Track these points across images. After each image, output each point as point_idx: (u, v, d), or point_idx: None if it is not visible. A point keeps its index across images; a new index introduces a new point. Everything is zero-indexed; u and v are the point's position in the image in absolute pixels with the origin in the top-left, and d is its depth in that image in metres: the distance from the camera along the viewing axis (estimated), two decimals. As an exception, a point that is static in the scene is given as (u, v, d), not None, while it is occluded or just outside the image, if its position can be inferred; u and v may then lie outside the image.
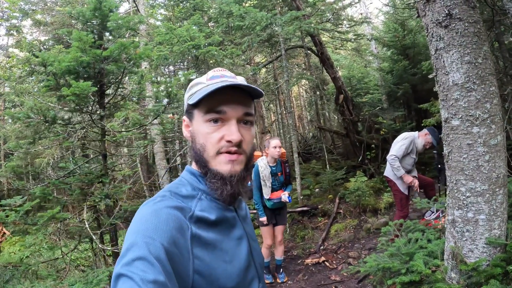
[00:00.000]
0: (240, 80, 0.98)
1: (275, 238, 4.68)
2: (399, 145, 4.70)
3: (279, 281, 4.80)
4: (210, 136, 0.92)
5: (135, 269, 0.67)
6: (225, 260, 0.88)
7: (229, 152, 0.91)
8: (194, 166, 1.00)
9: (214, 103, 0.91)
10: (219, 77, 0.96)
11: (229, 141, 0.90)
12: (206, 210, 0.90)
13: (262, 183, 4.46)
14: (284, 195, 4.41)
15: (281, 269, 4.91)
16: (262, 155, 4.78)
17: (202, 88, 0.94)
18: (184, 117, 1.01)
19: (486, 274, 2.07)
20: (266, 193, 4.45)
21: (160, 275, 0.67)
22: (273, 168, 4.54)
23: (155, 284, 0.65)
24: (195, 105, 0.95)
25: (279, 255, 4.79)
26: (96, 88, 4.10)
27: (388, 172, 4.96)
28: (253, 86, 0.94)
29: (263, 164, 4.48)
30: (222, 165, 0.91)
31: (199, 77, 1.02)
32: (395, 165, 4.61)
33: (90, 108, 4.46)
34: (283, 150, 4.69)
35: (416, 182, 4.65)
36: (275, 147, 4.44)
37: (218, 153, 0.92)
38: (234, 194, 0.92)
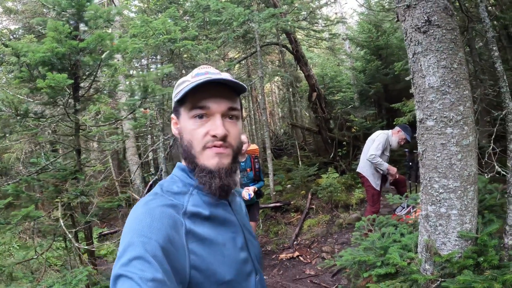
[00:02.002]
0: (225, 76, 0.97)
1: None
2: (376, 143, 4.86)
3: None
4: (195, 132, 0.93)
5: (133, 269, 0.68)
6: (222, 253, 0.89)
7: (215, 147, 0.92)
8: (184, 163, 1.02)
9: (198, 99, 0.93)
10: (203, 74, 0.97)
11: (214, 136, 0.91)
12: (198, 205, 0.91)
13: None
14: (246, 191, 4.25)
15: (256, 264, 4.95)
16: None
17: (187, 85, 0.94)
18: (172, 115, 1.03)
19: (459, 265, 2.21)
20: None
21: (158, 273, 0.68)
22: (242, 164, 4.52)
23: (154, 282, 0.67)
24: (181, 103, 0.97)
25: None
26: (72, 81, 3.99)
27: (361, 168, 5.11)
28: (235, 80, 0.95)
29: None
30: (210, 159, 0.92)
31: (185, 76, 1.03)
32: (377, 161, 4.76)
33: (64, 101, 4.33)
34: (254, 146, 4.71)
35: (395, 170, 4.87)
36: None
37: (205, 148, 0.93)
38: (223, 186, 0.92)
